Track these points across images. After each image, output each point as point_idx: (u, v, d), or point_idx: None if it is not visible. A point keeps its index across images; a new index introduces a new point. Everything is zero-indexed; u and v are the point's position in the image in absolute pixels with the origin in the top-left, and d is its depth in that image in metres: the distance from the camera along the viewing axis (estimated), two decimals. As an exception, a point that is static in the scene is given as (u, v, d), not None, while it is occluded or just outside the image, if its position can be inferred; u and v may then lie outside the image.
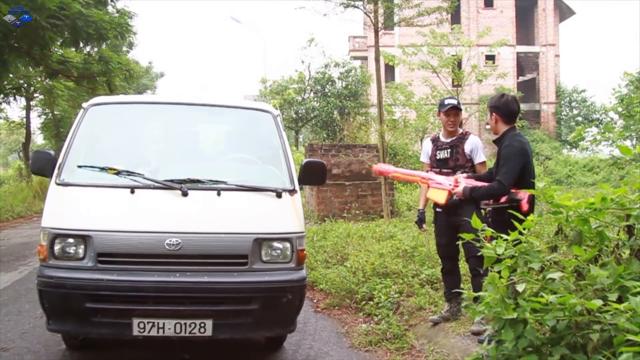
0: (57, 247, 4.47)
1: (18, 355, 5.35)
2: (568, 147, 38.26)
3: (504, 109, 4.90)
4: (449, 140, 5.69)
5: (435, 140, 5.81)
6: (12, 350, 5.47)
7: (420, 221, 5.89)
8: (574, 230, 3.21)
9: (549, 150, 35.84)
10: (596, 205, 3.05)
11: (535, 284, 2.91)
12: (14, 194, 23.94)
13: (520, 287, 2.77)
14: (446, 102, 5.67)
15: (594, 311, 2.64)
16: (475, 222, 3.26)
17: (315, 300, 7.45)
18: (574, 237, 3.21)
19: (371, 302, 6.76)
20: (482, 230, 3.24)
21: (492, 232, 3.20)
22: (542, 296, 2.73)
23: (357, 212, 13.62)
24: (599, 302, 2.58)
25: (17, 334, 6.00)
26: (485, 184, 4.91)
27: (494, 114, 4.93)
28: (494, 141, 5.02)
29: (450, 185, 5.12)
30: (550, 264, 3.06)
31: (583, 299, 2.75)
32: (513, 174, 4.63)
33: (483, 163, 5.60)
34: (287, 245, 4.69)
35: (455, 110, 5.62)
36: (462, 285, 5.81)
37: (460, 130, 5.71)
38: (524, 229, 3.12)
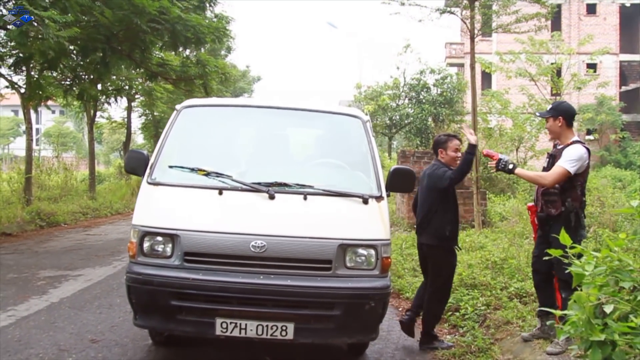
0: (146, 245, 4.61)
1: (106, 347, 5.58)
2: (674, 160, 36.39)
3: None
4: (553, 150, 5.50)
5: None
6: (101, 342, 5.71)
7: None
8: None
9: (652, 163, 34.18)
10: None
11: (625, 305, 2.77)
12: (113, 191, 24.95)
13: (608, 309, 2.64)
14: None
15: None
16: (564, 238, 3.13)
17: (400, 309, 7.37)
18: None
19: (457, 314, 6.65)
20: (572, 246, 3.12)
21: (582, 249, 3.07)
22: (631, 319, 2.60)
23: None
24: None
25: (107, 326, 6.26)
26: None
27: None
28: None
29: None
30: (644, 284, 2.91)
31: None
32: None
33: (557, 167, 5.11)
34: (372, 252, 4.65)
35: (547, 118, 5.42)
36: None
37: (572, 139, 5.30)
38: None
